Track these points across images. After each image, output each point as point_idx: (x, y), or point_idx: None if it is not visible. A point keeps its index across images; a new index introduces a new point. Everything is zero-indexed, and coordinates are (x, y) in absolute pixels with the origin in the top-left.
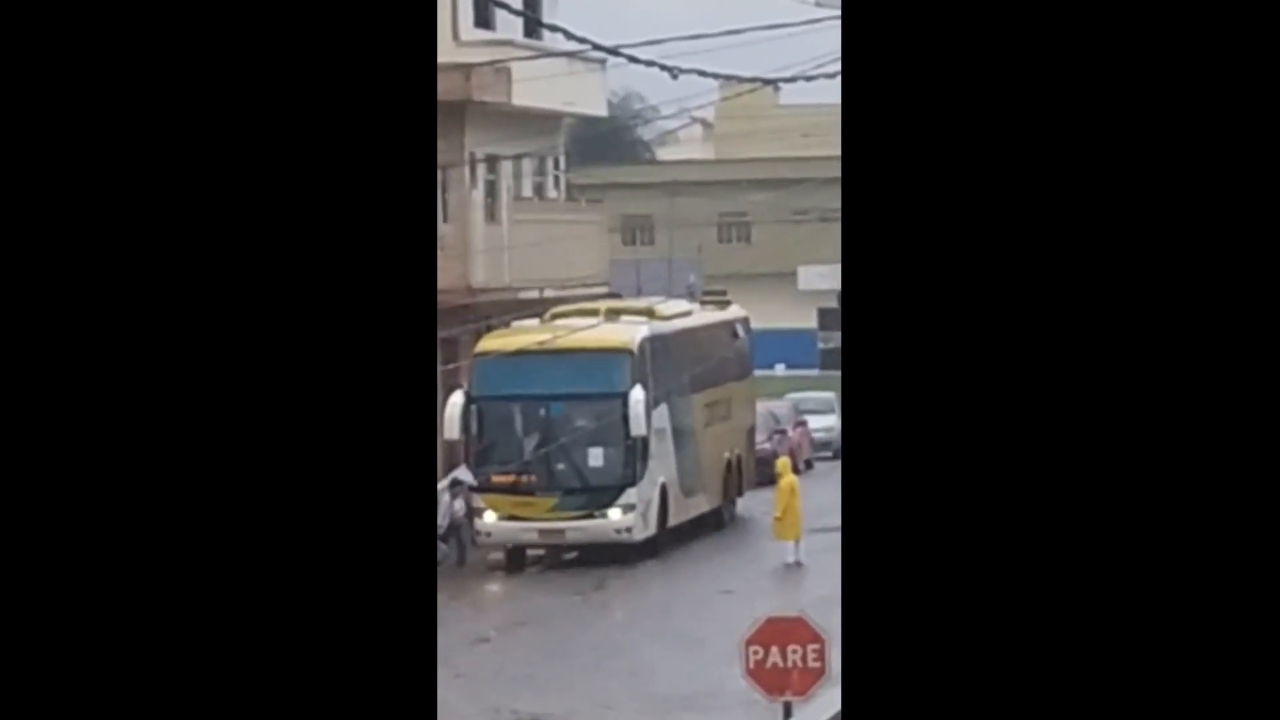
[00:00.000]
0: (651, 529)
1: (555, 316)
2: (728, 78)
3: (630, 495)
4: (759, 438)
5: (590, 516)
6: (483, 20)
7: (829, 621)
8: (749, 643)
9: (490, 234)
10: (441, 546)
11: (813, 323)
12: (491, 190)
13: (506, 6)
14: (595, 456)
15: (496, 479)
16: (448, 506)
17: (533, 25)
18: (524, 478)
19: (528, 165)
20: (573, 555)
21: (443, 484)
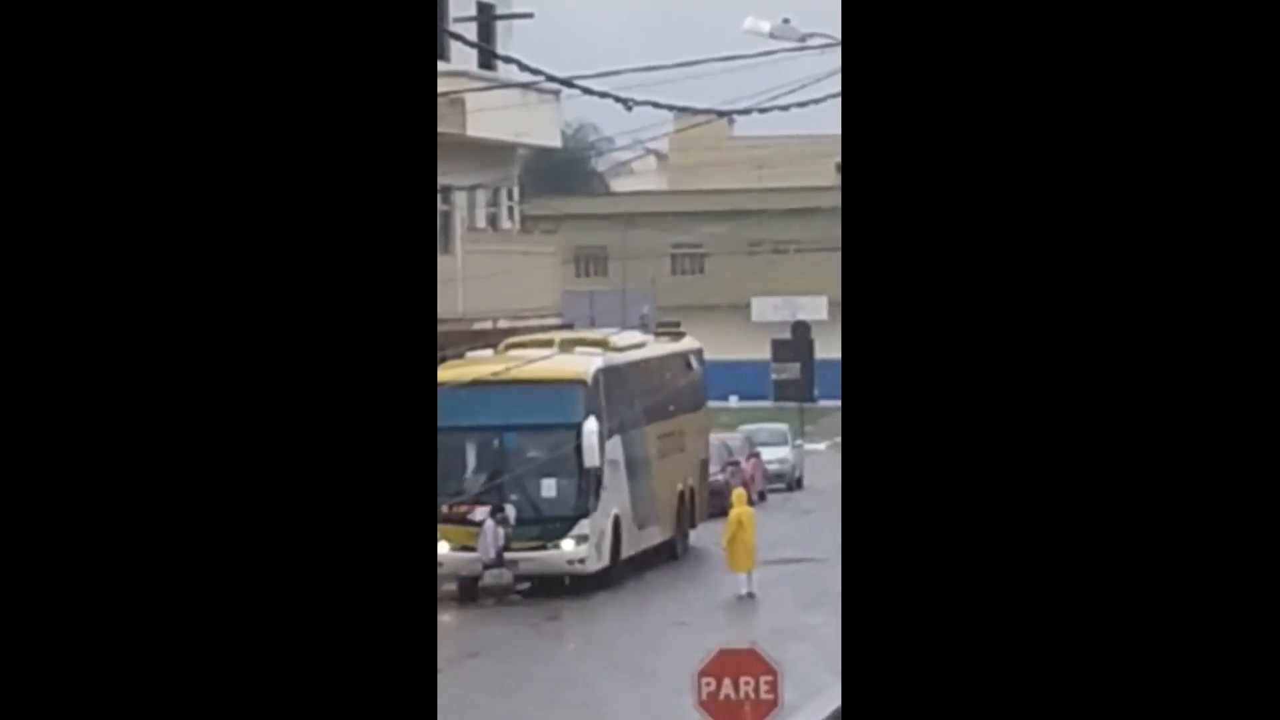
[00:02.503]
0: (605, 560)
1: (509, 347)
2: (682, 109)
3: (583, 526)
4: (712, 469)
5: (543, 547)
6: (438, 51)
7: (781, 653)
8: (702, 674)
9: (444, 265)
10: (493, 572)
11: (766, 354)
12: (446, 221)
13: (461, 38)
14: (549, 487)
15: (449, 510)
16: (493, 535)
17: (487, 56)
18: (477, 509)
19: (482, 196)
20: (526, 586)
21: (483, 512)
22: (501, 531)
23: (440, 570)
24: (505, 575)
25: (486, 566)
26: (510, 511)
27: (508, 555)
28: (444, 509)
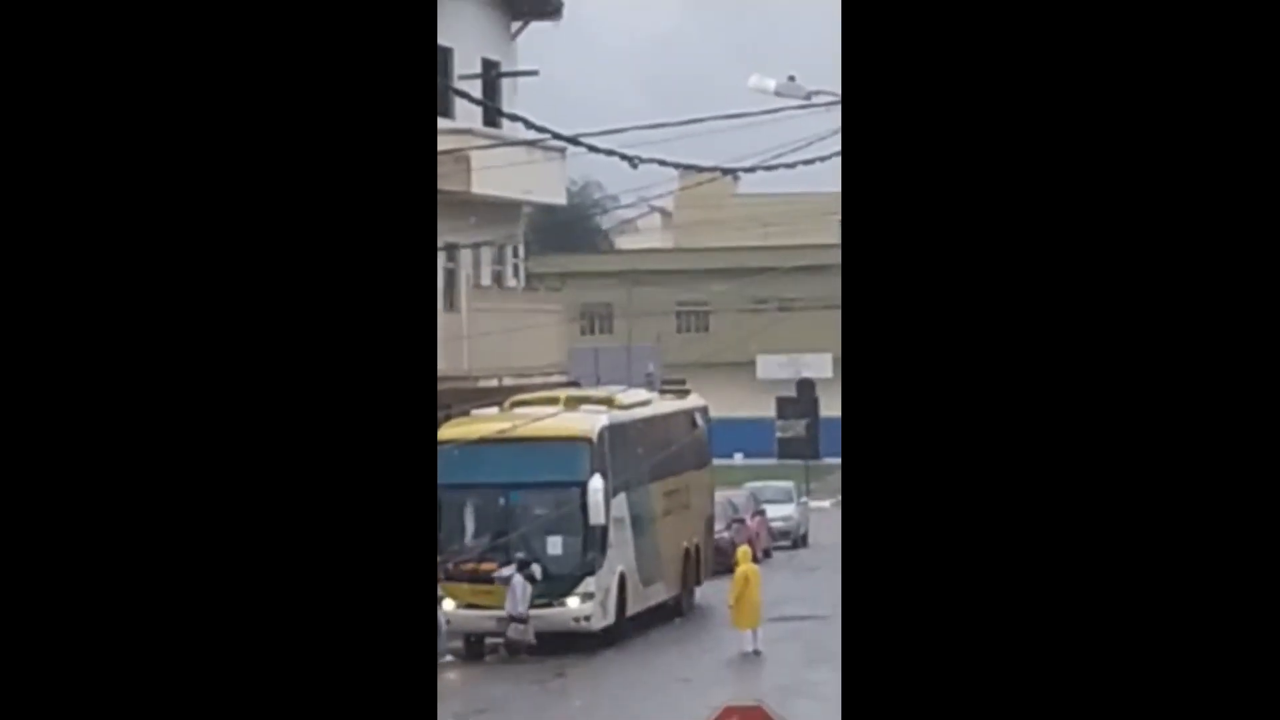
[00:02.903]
0: (610, 618)
1: (515, 405)
2: (687, 167)
3: (589, 584)
4: (717, 526)
5: (549, 605)
6: (442, 109)
7: (787, 710)
8: None
9: (449, 322)
10: (517, 628)
11: (771, 411)
12: (451, 279)
13: (465, 95)
14: (554, 545)
15: (455, 567)
16: (522, 590)
17: (492, 114)
18: (482, 566)
19: (487, 253)
20: (532, 643)
21: (511, 569)
22: (530, 588)
23: (448, 628)
24: (528, 632)
25: (514, 620)
26: (536, 569)
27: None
28: (449, 566)
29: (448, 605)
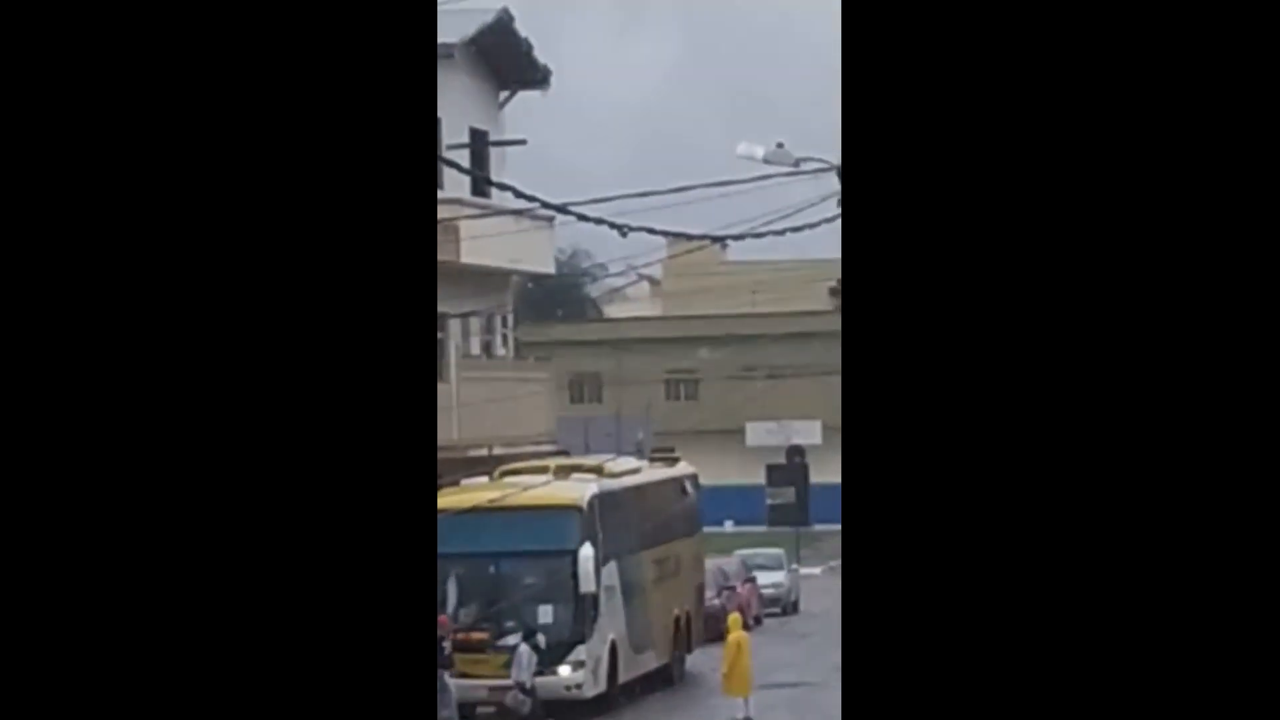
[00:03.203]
0: (601, 686)
1: (504, 474)
2: (676, 235)
3: (580, 652)
4: (708, 594)
5: (540, 673)
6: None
7: None
8: None
9: (439, 392)
10: (516, 696)
11: (761, 479)
12: (440, 349)
13: (454, 164)
14: (545, 613)
15: (449, 636)
16: (528, 659)
17: (480, 183)
18: (474, 635)
19: (476, 323)
20: (526, 714)
21: (516, 638)
22: (535, 658)
23: (440, 697)
24: (526, 703)
25: (519, 689)
26: (541, 638)
27: (504, 682)
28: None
29: (442, 675)
